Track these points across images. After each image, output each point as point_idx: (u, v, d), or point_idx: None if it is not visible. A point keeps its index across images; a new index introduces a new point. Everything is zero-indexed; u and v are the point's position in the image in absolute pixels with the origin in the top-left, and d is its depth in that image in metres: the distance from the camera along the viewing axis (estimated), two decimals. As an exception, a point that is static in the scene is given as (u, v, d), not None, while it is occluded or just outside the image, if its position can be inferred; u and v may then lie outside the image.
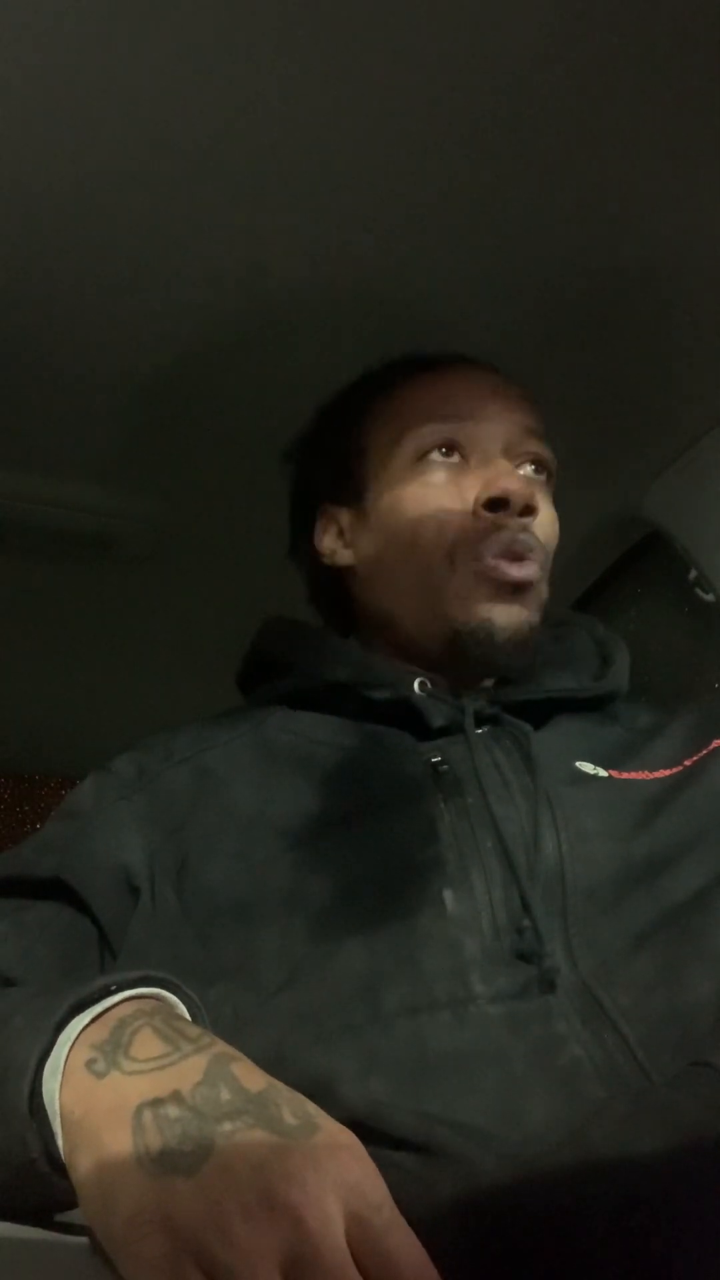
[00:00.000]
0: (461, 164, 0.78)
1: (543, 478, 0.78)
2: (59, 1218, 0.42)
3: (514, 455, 0.75)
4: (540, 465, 0.77)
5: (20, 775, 2.12)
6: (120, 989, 0.44)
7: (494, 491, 0.70)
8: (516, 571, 0.70)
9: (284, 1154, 0.35)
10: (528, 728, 0.67)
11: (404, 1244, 0.34)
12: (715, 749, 0.68)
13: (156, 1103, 0.37)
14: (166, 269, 0.87)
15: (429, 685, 0.71)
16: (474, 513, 0.71)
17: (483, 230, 0.84)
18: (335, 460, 0.81)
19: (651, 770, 0.66)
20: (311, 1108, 0.38)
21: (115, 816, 0.66)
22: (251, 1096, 0.38)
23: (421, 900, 0.56)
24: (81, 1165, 0.37)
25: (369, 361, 0.84)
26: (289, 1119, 0.37)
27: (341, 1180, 0.34)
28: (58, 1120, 0.40)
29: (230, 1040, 0.43)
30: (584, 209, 0.83)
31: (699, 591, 1.15)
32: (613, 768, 0.66)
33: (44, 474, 1.16)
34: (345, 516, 0.80)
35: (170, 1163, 0.35)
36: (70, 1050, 0.41)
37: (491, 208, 0.82)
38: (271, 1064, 0.42)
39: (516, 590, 0.70)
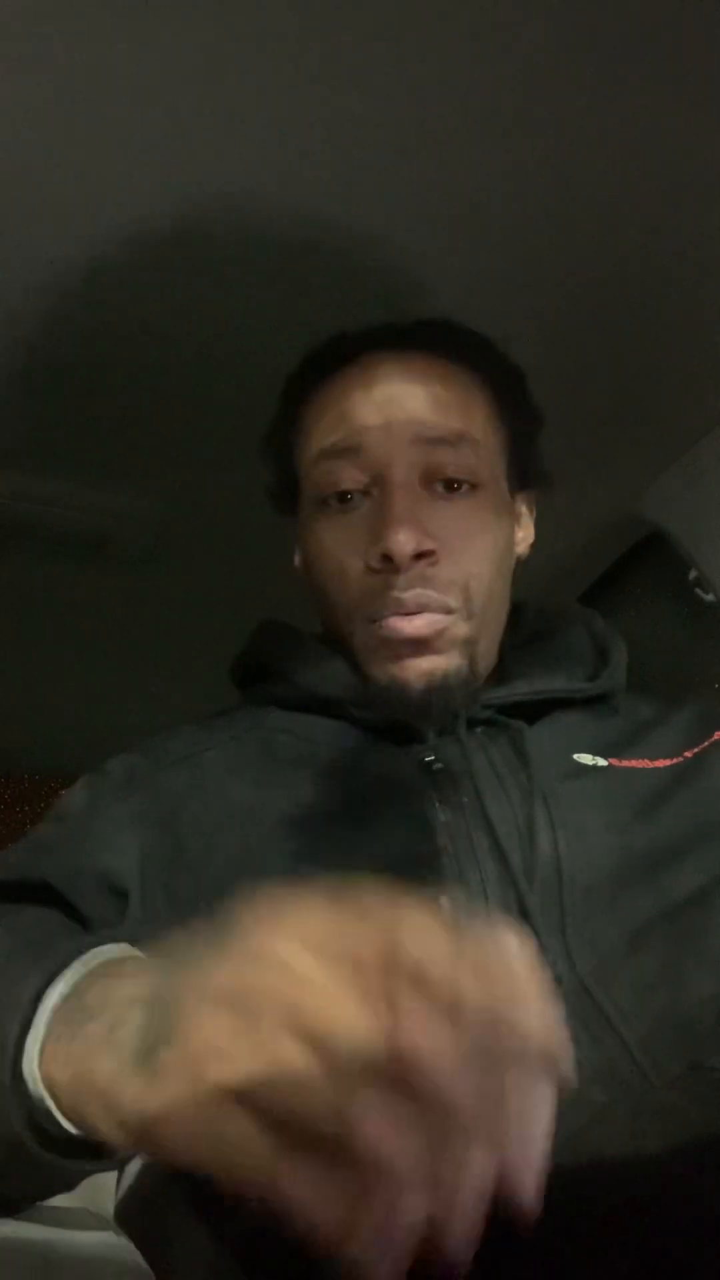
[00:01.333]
0: (466, 161, 0.78)
1: (456, 493, 0.68)
2: (50, 1203, 0.42)
3: (421, 481, 0.68)
4: (454, 481, 0.68)
5: (20, 775, 2.12)
6: (81, 952, 0.45)
7: (377, 551, 0.66)
8: (409, 629, 0.66)
9: (235, 939, 0.33)
10: (521, 725, 0.67)
11: None
12: (716, 741, 0.68)
13: (122, 1017, 0.36)
14: (166, 265, 0.87)
15: None
16: (369, 568, 0.67)
17: (484, 230, 0.84)
18: (275, 475, 0.79)
19: (652, 759, 0.66)
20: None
21: (108, 819, 0.66)
22: (200, 956, 0.36)
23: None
24: (90, 1112, 0.36)
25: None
26: (230, 939, 0.34)
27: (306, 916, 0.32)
28: (39, 1086, 0.40)
29: None
30: (586, 208, 0.83)
31: (699, 591, 1.15)
32: (613, 756, 0.66)
33: (44, 474, 1.16)
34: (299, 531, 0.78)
35: (158, 1026, 0.34)
36: (46, 1028, 0.41)
37: (494, 206, 0.82)
38: None
39: (420, 645, 0.66)
